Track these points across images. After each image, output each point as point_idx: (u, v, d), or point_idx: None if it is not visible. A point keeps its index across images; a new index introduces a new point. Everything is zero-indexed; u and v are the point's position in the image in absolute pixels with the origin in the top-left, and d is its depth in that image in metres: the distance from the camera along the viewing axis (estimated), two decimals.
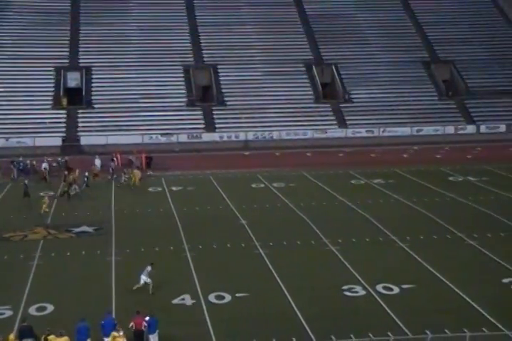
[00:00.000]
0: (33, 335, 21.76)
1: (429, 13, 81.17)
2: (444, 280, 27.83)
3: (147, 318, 22.21)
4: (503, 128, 67.71)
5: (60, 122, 64.48)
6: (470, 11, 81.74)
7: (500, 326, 23.45)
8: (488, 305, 25.18)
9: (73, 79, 69.03)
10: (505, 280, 27.75)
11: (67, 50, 71.81)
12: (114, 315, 23.56)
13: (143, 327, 22.06)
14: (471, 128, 67.75)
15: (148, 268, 27.01)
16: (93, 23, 74.62)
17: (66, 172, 46.85)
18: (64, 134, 63.00)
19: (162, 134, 63.16)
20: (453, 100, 71.30)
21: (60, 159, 52.66)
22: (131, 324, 22.15)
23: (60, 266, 30.25)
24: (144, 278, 26.78)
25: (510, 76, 73.80)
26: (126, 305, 25.07)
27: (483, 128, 67.76)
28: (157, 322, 22.29)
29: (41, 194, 43.20)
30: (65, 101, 66.22)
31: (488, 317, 24.22)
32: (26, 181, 43.74)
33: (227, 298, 26.30)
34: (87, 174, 46.64)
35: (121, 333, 21.52)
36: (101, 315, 22.80)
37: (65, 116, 65.13)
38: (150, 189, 46.10)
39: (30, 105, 65.04)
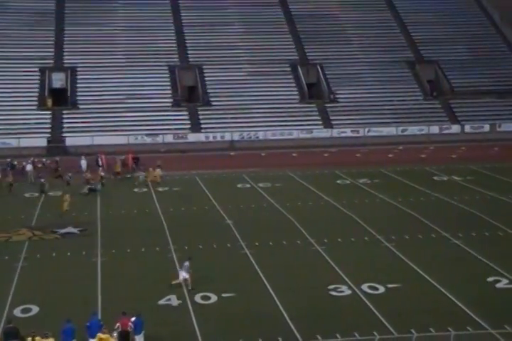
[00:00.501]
0: (18, 337, 21.66)
1: (414, 13, 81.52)
2: (429, 279, 27.98)
3: (133, 319, 22.17)
4: (487, 127, 68.11)
5: (45, 123, 64.21)
6: (454, 11, 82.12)
7: (484, 325, 23.59)
8: (472, 304, 25.34)
9: (58, 80, 68.70)
10: (489, 279, 27.92)
11: (52, 50, 71.50)
12: (99, 316, 23.51)
13: (129, 328, 22.03)
14: (455, 128, 68.12)
15: (187, 263, 27.18)
16: (78, 24, 74.28)
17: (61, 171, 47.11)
18: (49, 135, 62.71)
19: (147, 135, 63.05)
20: (437, 100, 71.63)
21: (44, 160, 52.42)
22: (117, 325, 22.11)
23: (46, 268, 30.12)
24: (183, 275, 26.97)
25: (495, 76, 74.27)
26: (112, 306, 25.01)
27: (467, 128, 68.14)
28: (143, 322, 22.26)
29: (55, 193, 43.14)
30: (50, 102, 65.91)
31: (473, 315, 24.36)
32: (43, 180, 44.66)
33: (213, 298, 26.30)
34: (70, 175, 46.81)
35: (115, 334, 21.58)
36: (86, 316, 22.74)
37: (50, 116, 64.83)
38: (136, 189, 45.98)
39: (15, 106, 64.70)
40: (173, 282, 27.14)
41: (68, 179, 46.76)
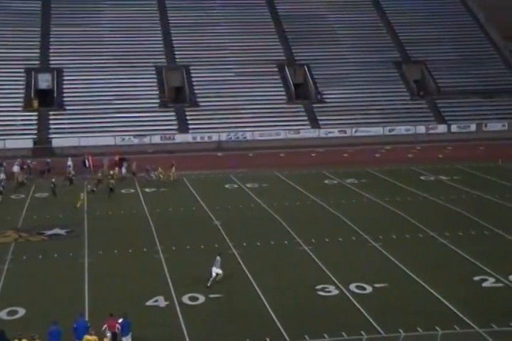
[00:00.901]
0: (4, 339, 21.53)
1: (400, 14, 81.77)
2: (416, 278, 28.07)
3: (120, 320, 22.10)
4: (473, 127, 68.41)
5: (31, 124, 63.90)
6: (440, 12, 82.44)
7: (471, 323, 23.69)
8: (459, 303, 25.43)
9: (44, 81, 68.39)
10: (476, 278, 28.04)
11: (38, 51, 71.16)
12: (86, 318, 23.41)
13: (116, 330, 21.95)
14: (442, 128, 68.38)
15: (218, 258, 27.46)
16: (64, 24, 74.00)
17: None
18: (35, 136, 62.40)
19: (135, 135, 62.88)
20: (424, 100, 71.88)
21: (29, 162, 52.18)
22: (104, 326, 22.02)
23: (32, 269, 29.97)
24: (215, 270, 27.26)
25: (481, 76, 74.64)
26: (99, 307, 24.92)
27: (454, 128, 68.42)
28: (130, 324, 22.19)
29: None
30: (36, 103, 65.58)
31: (460, 315, 24.46)
32: (53, 179, 44.75)
33: (201, 299, 26.26)
34: (73, 173, 47.43)
35: (108, 334, 21.52)
36: (73, 318, 22.63)
37: (36, 118, 64.51)
38: (123, 190, 45.82)
39: (0, 107, 64.36)
40: (209, 283, 27.21)
41: (72, 178, 46.94)
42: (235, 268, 29.34)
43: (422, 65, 75.27)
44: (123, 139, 62.51)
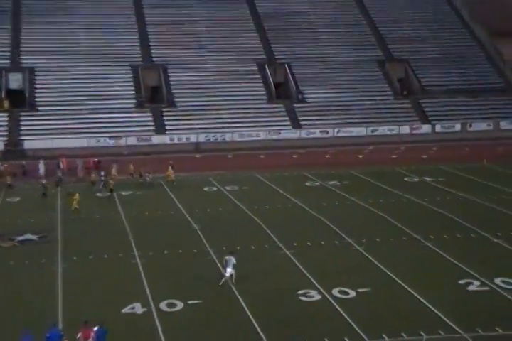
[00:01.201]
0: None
1: (383, 12, 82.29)
2: (400, 282, 28.18)
3: (95, 329, 21.96)
4: (458, 127, 68.94)
5: (1, 126, 63.45)
6: (424, 10, 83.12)
7: (456, 328, 23.81)
8: (444, 307, 25.55)
9: (15, 81, 68.00)
10: (461, 282, 28.19)
11: (9, 49, 70.79)
12: (60, 327, 23.25)
13: (91, 339, 21.80)
14: (426, 128, 68.83)
15: (232, 258, 27.55)
16: (36, 22, 73.64)
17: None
18: (6, 138, 62.00)
19: (110, 137, 62.64)
20: (408, 99, 72.32)
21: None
22: (79, 335, 21.88)
23: (2, 277, 29.69)
24: (229, 271, 27.34)
25: (465, 74, 75.27)
26: (73, 315, 24.75)
27: (438, 128, 68.90)
28: (106, 332, 22.03)
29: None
30: (6, 104, 65.14)
31: (445, 319, 24.58)
32: (44, 181, 45.01)
33: (179, 305, 26.18)
34: (60, 175, 47.68)
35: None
36: (46, 326, 22.47)
37: (6, 119, 64.11)
38: (98, 194, 45.64)
39: None
40: (221, 282, 27.40)
41: (57, 180, 47.21)
42: (215, 274, 29.27)
43: (405, 64, 75.76)
44: (98, 141, 62.30)
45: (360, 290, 27.41)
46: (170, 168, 48.80)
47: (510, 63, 76.41)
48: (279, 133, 66.01)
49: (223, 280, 27.64)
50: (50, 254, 32.40)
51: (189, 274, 29.57)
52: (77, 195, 40.52)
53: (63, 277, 29.34)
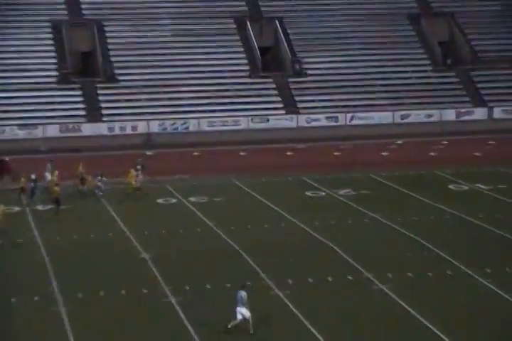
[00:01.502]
0: None
1: None
2: (445, 338, 28.06)
3: None
4: None
5: None
6: None
7: None
8: None
9: None
10: None
11: None
12: None
13: None
14: (480, 113, 69.17)
15: (243, 293, 27.77)
16: None
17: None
18: None
19: (19, 126, 62.51)
20: (453, 71, 72.56)
21: None
22: None
23: None
24: (242, 311, 27.51)
25: None
26: None
27: (497, 112, 69.23)
28: None
29: None
30: None
31: None
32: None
33: None
34: None
35: None
36: None
37: None
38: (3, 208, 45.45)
39: None
40: (230, 325, 27.64)
41: None
42: (174, 325, 29.15)
43: (450, 20, 76.01)
44: (3, 131, 62.06)
45: None
46: (133, 170, 48.84)
47: None
48: (268, 120, 66.14)
49: (233, 323, 27.69)
50: None
51: (136, 327, 29.38)
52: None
53: None
